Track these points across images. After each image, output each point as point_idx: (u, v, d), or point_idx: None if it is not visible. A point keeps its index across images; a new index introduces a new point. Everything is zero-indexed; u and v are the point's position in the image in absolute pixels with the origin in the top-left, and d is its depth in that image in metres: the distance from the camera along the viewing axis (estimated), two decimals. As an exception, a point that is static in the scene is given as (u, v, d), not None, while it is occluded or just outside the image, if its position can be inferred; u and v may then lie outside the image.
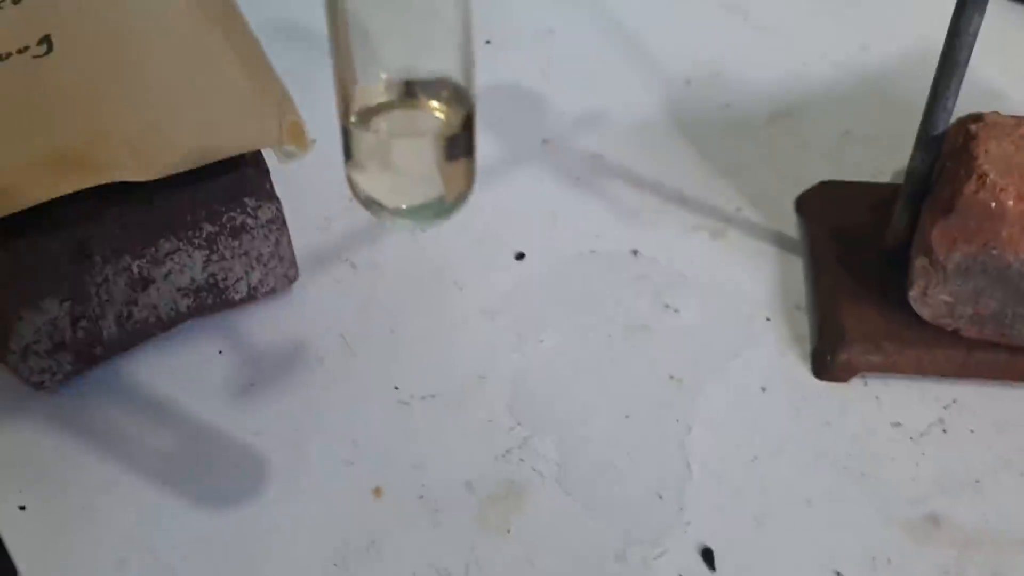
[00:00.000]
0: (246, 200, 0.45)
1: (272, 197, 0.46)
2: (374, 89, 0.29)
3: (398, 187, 0.31)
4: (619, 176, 0.56)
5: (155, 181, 0.43)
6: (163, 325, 0.47)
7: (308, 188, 0.52)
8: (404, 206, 0.31)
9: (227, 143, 0.44)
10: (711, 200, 0.55)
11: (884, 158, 0.57)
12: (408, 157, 0.30)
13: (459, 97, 0.29)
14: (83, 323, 0.45)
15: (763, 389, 0.46)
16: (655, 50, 0.65)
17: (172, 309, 0.47)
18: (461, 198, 0.32)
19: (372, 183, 0.31)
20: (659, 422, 0.45)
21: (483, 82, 0.62)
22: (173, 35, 0.47)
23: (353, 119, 0.30)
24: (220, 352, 0.48)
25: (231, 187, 0.45)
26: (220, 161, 0.44)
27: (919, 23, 0.66)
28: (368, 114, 0.29)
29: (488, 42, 0.64)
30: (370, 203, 0.31)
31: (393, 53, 0.28)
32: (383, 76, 0.29)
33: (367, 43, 0.27)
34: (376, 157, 0.30)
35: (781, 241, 0.52)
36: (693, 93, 0.62)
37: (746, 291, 0.50)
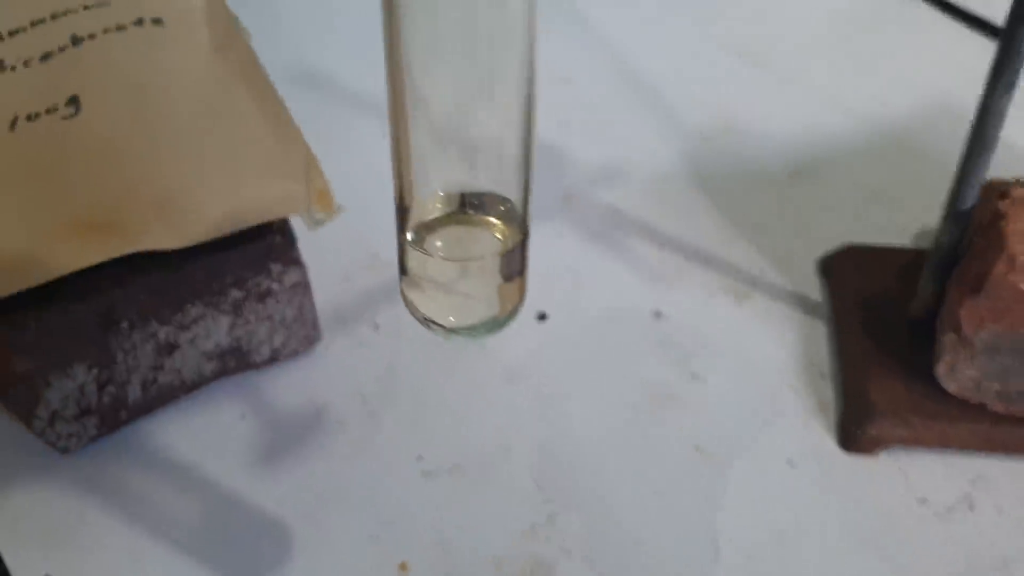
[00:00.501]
0: (272, 266, 0.45)
1: (298, 262, 0.46)
2: (430, 203, 0.29)
3: (454, 308, 0.31)
4: (639, 233, 0.56)
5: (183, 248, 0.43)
6: (187, 388, 0.47)
7: (327, 244, 0.52)
8: (460, 326, 0.31)
9: (255, 211, 0.44)
10: (733, 260, 0.55)
11: (906, 218, 0.57)
12: (464, 279, 0.30)
13: (515, 216, 0.29)
14: (110, 388, 0.44)
15: (790, 463, 0.46)
16: (672, 101, 0.65)
17: (196, 373, 0.47)
18: (514, 312, 0.31)
19: (428, 303, 0.31)
20: (687, 498, 0.45)
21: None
22: (198, 95, 0.47)
23: (409, 236, 0.29)
24: (243, 416, 0.47)
25: (258, 254, 0.45)
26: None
27: (937, 76, 0.66)
28: (423, 230, 0.29)
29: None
30: (425, 321, 0.31)
31: (452, 169, 0.28)
32: (440, 193, 0.29)
33: (427, 158, 0.27)
34: (432, 277, 0.30)
35: (804, 305, 0.52)
36: (711, 147, 0.62)
37: (771, 358, 0.50)
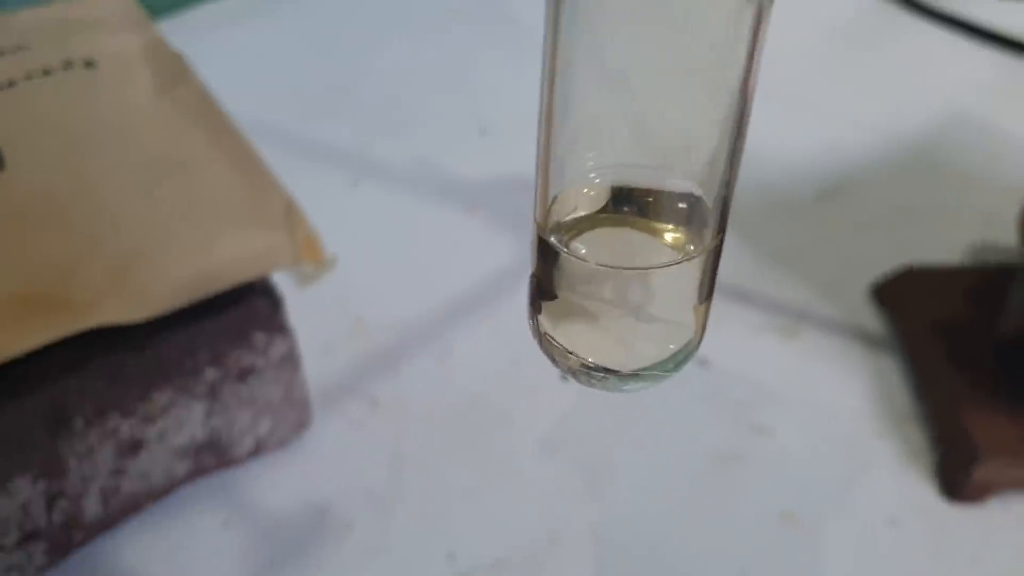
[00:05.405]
0: (256, 335, 0.37)
1: (285, 330, 0.38)
2: (582, 193, 0.21)
3: (634, 342, 0.22)
4: (662, 273, 0.49)
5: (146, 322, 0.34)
6: (156, 495, 0.39)
7: (299, 309, 0.44)
8: (643, 366, 0.22)
9: (231, 269, 0.36)
10: (773, 293, 0.48)
11: (950, 234, 0.51)
12: (647, 300, 0.21)
13: (702, 215, 0.21)
14: (61, 503, 0.36)
15: (892, 521, 0.39)
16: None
17: (167, 475, 0.38)
18: (698, 344, 0.23)
19: (590, 341, 0.22)
20: (780, 574, 0.37)
21: (484, 173, 0.54)
22: (146, 141, 0.39)
23: (553, 238, 0.21)
24: (225, 523, 0.39)
25: (238, 322, 0.37)
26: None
27: (945, 88, 0.61)
28: (567, 229, 0.21)
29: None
30: (585, 369, 0.22)
31: (616, 149, 0.20)
32: (596, 180, 0.20)
33: (582, 132, 0.19)
34: (596, 300, 0.21)
35: (864, 337, 0.46)
36: (723, 173, 0.55)
37: (841, 401, 0.43)
